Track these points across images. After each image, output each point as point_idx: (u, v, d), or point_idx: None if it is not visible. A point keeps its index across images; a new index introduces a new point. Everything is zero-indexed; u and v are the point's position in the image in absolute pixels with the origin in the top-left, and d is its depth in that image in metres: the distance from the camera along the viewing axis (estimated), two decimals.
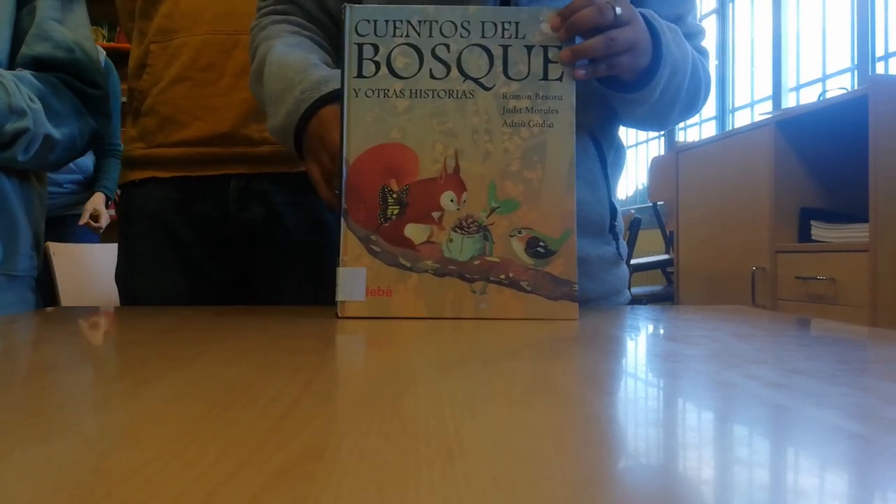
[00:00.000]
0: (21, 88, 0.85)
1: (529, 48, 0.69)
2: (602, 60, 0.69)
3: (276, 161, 1.01)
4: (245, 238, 1.03)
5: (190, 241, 1.03)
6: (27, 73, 0.89)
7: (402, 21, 0.69)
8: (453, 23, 0.69)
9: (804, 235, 2.17)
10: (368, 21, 0.70)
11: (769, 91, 3.59)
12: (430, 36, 0.69)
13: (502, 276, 0.68)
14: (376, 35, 0.69)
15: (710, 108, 4.14)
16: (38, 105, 0.87)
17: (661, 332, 0.63)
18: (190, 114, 1.00)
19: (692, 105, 0.83)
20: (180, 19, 1.01)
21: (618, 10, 0.67)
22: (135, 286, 1.05)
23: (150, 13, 1.03)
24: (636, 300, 0.94)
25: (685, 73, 0.78)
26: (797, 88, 3.46)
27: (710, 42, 4.11)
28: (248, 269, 1.06)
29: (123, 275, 1.07)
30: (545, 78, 0.69)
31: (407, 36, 0.69)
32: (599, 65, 0.70)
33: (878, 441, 0.25)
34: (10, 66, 0.92)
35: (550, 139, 0.69)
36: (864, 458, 0.24)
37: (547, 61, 0.69)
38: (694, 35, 0.87)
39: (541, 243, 0.68)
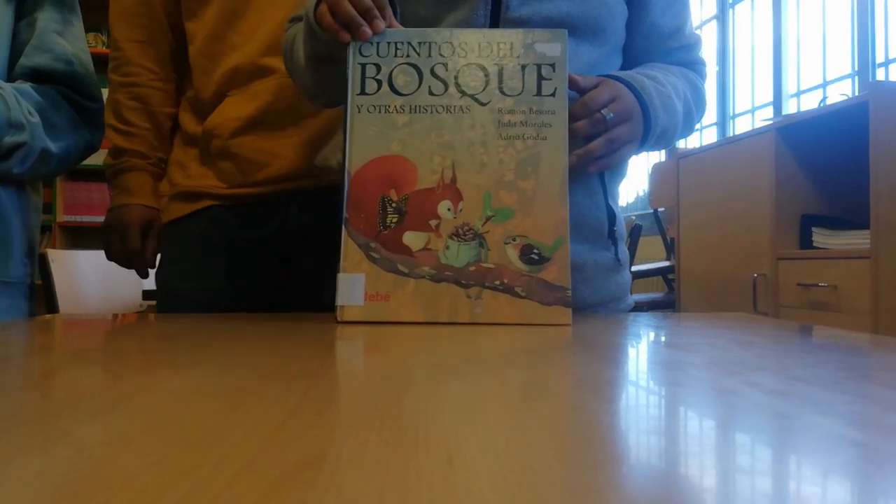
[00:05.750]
0: (21, 102, 0.85)
1: (524, 66, 0.73)
2: (606, 156, 0.76)
3: None
4: (300, 237, 1.07)
5: (244, 241, 1.06)
6: (27, 86, 0.89)
7: (402, 43, 0.73)
8: (451, 44, 0.73)
9: (805, 242, 2.17)
10: (371, 43, 0.73)
11: (770, 97, 3.59)
12: (430, 56, 0.73)
13: (497, 282, 0.70)
14: (378, 55, 0.73)
15: (710, 114, 4.15)
16: (36, 119, 0.87)
17: (663, 339, 0.63)
18: (269, 153, 1.04)
19: (685, 134, 0.90)
20: (252, 70, 1.04)
21: (609, 115, 0.74)
22: (178, 285, 1.07)
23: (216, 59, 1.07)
24: (637, 307, 0.94)
25: (676, 126, 0.84)
26: (798, 95, 3.47)
27: (710, 48, 4.13)
28: (302, 269, 1.08)
29: (167, 272, 1.09)
30: (539, 94, 0.72)
31: (407, 56, 0.73)
32: (605, 159, 0.76)
33: (880, 449, 0.25)
34: (8, 76, 0.92)
35: (544, 151, 0.71)
36: (866, 466, 0.24)
37: (540, 78, 0.72)
38: (691, 46, 0.89)
39: (534, 250, 0.70)
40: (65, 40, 0.96)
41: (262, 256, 1.07)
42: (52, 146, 0.90)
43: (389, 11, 0.73)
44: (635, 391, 0.37)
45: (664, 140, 0.84)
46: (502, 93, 0.72)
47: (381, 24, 0.72)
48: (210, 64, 1.07)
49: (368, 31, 0.71)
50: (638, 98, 0.77)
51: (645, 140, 0.79)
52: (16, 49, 0.93)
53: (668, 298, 3.16)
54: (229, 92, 1.06)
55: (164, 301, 1.09)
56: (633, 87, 0.77)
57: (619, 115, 0.75)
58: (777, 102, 3.52)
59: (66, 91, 0.95)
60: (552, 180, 0.71)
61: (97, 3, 1.16)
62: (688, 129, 0.88)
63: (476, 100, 0.72)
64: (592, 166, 0.75)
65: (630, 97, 0.76)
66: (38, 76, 0.92)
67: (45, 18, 0.94)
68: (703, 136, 4.26)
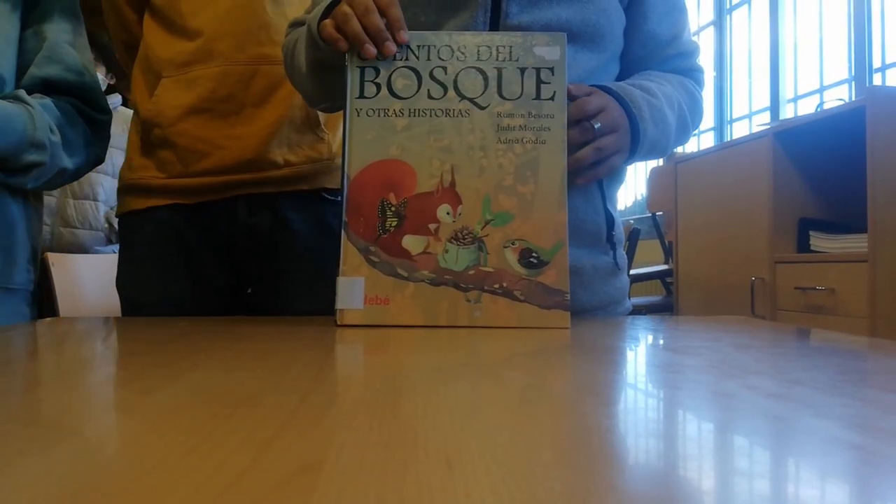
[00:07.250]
0: (45, 120, 0.85)
1: (522, 70, 0.73)
2: (595, 166, 0.76)
3: (296, 181, 1.04)
4: (252, 242, 1.04)
5: (196, 244, 1.04)
6: (49, 101, 0.89)
7: (401, 46, 0.73)
8: (450, 47, 0.73)
9: (803, 246, 2.17)
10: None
11: (767, 102, 3.60)
12: (429, 59, 0.73)
13: (496, 286, 0.70)
14: (377, 59, 0.73)
15: (708, 119, 4.15)
16: (57, 137, 0.87)
17: (661, 342, 0.63)
18: (211, 143, 1.01)
19: (679, 143, 0.89)
20: (195, 52, 1.01)
21: (597, 125, 0.74)
22: (139, 292, 1.05)
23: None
24: (635, 311, 0.94)
25: (668, 138, 0.83)
26: (795, 100, 3.48)
27: (707, 54, 4.14)
28: (254, 275, 1.06)
29: (126, 281, 1.07)
30: (538, 98, 0.72)
31: (406, 60, 0.73)
32: (594, 169, 0.76)
33: (877, 452, 0.25)
34: (15, 86, 0.92)
35: (543, 155, 0.71)
36: (863, 468, 0.24)
37: (540, 82, 0.72)
38: (689, 53, 0.90)
39: (533, 254, 0.70)
40: (75, 51, 0.95)
41: (213, 261, 1.05)
42: (69, 163, 0.90)
43: (404, 32, 0.72)
44: (634, 394, 0.37)
45: (656, 151, 0.83)
46: (501, 96, 0.72)
47: (392, 46, 0.71)
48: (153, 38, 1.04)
49: (373, 49, 0.71)
50: (627, 111, 0.77)
51: (634, 152, 0.79)
52: (22, 58, 0.92)
53: (666, 302, 3.16)
54: (164, 73, 1.02)
55: (126, 309, 1.07)
56: (623, 99, 0.77)
57: (606, 126, 0.74)
58: (774, 107, 3.53)
59: (79, 104, 0.94)
60: (551, 184, 0.71)
61: (98, 9, 1.16)
62: (683, 138, 0.88)
63: (475, 103, 0.72)
64: (580, 178, 0.75)
65: (617, 109, 0.76)
66: (48, 87, 0.92)
67: (56, 29, 0.93)
68: (700, 141, 4.27)
